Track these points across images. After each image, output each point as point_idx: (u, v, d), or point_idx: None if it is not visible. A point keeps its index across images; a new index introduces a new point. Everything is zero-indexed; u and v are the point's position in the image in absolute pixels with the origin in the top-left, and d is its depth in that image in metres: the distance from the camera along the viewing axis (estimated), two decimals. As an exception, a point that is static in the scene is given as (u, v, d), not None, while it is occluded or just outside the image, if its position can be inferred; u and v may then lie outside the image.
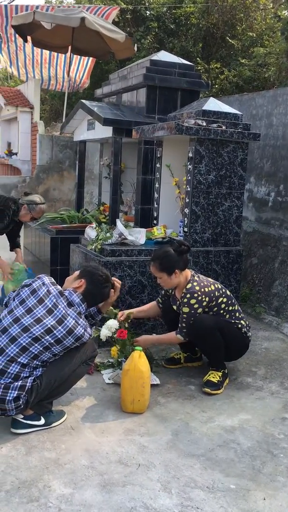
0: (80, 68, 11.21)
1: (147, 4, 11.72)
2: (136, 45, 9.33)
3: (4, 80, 17.60)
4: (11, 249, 4.92)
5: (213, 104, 4.29)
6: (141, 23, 11.55)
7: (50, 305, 2.64)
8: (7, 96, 10.93)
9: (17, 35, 9.37)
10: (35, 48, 10.14)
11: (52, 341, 2.57)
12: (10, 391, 2.50)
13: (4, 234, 4.72)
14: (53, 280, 2.81)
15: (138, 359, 2.92)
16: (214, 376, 3.28)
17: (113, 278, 3.08)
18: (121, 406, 2.96)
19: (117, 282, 3.11)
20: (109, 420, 2.84)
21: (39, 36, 9.04)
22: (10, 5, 10.30)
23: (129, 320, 3.44)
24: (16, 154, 11.19)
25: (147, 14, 11.76)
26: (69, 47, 9.44)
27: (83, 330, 2.66)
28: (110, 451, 2.53)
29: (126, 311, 3.46)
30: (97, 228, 4.42)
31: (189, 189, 4.09)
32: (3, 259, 4.50)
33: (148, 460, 2.47)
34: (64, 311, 2.64)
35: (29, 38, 9.16)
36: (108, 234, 4.18)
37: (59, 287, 2.79)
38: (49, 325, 2.58)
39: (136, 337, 3.41)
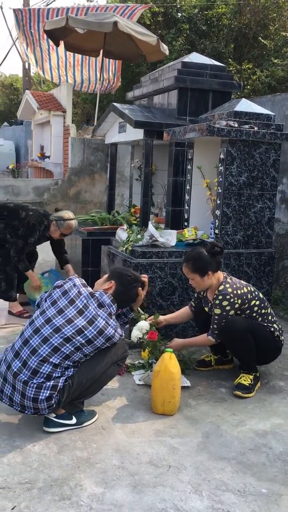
0: (111, 68, 11.29)
1: (178, 6, 11.71)
2: (167, 47, 9.33)
3: (37, 85, 17.91)
4: (62, 267, 4.90)
5: (245, 105, 4.26)
6: (172, 25, 11.56)
7: (81, 306, 2.67)
8: (40, 100, 11.12)
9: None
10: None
11: (83, 341, 2.60)
12: (42, 390, 2.55)
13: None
14: (84, 281, 2.84)
15: (168, 360, 2.92)
16: (245, 379, 3.25)
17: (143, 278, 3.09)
18: (152, 407, 2.96)
19: (144, 277, 3.09)
20: (140, 421, 2.85)
21: (71, 40, 9.17)
22: (42, 9, 10.48)
23: (158, 324, 3.44)
24: (48, 157, 11.36)
25: (179, 16, 11.76)
26: (101, 51, 9.53)
27: (113, 331, 2.68)
28: (140, 451, 2.54)
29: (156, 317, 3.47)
30: (128, 230, 4.45)
31: (220, 190, 4.07)
32: (33, 273, 4.57)
33: (179, 462, 2.47)
34: (94, 312, 2.66)
35: (61, 42, 9.30)
36: (139, 236, 4.20)
37: (89, 288, 2.82)
38: (80, 326, 2.61)
39: (166, 339, 3.41)
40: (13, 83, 24.94)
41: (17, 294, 4.72)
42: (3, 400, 2.66)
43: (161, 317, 3.53)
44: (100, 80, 10.57)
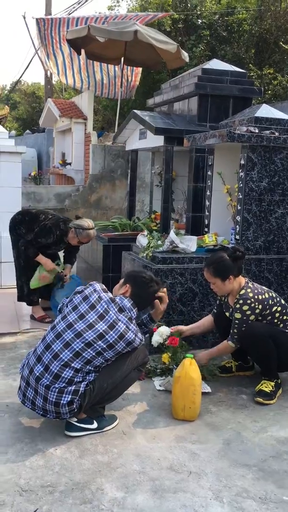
0: (129, 70, 11.34)
1: (198, 12, 11.76)
2: (187, 54, 9.37)
3: (59, 93, 18.13)
4: (65, 261, 4.94)
5: (265, 111, 4.26)
6: (192, 31, 11.61)
7: (101, 311, 2.70)
8: (62, 108, 11.26)
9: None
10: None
11: (104, 346, 2.63)
12: (64, 395, 2.57)
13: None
14: (104, 287, 2.87)
15: (189, 366, 2.92)
16: (266, 386, 3.23)
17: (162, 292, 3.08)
18: (172, 413, 2.97)
19: (163, 291, 3.08)
20: (160, 426, 2.86)
21: (92, 49, 9.28)
22: (63, 18, 10.62)
23: (181, 334, 3.44)
24: (70, 164, 11.47)
25: (199, 23, 11.81)
26: (122, 59, 9.61)
27: (134, 335, 2.70)
28: (161, 457, 2.54)
29: (179, 327, 3.47)
30: (148, 236, 4.47)
31: (241, 196, 4.07)
32: (42, 256, 4.50)
33: (200, 468, 2.46)
34: (115, 317, 2.69)
35: (82, 50, 9.41)
36: (159, 242, 4.22)
37: (110, 294, 2.85)
38: (101, 330, 2.64)
39: (187, 344, 3.42)
40: (35, 91, 25.32)
41: (39, 299, 4.79)
42: (26, 404, 2.70)
43: (184, 327, 3.53)
44: (120, 87, 10.65)
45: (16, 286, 4.79)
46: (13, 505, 2.13)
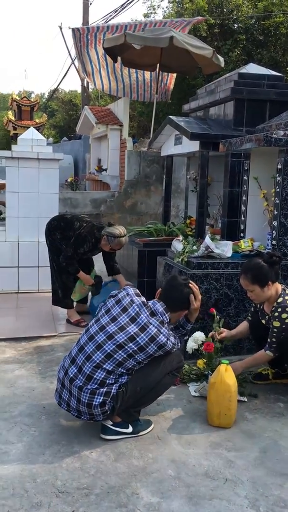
0: (164, 74, 11.36)
1: (234, 17, 11.71)
2: (223, 59, 9.34)
3: (95, 100, 18.38)
4: (109, 275, 4.95)
5: (303, 115, 4.20)
6: (229, 36, 11.57)
7: (133, 314, 2.72)
8: (98, 115, 11.42)
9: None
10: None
11: (135, 348, 2.64)
12: (96, 396, 2.61)
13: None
14: (137, 291, 2.89)
15: (224, 372, 2.90)
16: (304, 394, 3.16)
17: (193, 285, 3.01)
18: (207, 419, 2.95)
19: (194, 286, 3.00)
20: (195, 432, 2.84)
21: (128, 56, 9.38)
22: (101, 27, 10.76)
23: (219, 335, 3.42)
24: (105, 170, 11.60)
25: (235, 27, 11.76)
26: (157, 65, 9.67)
27: (165, 339, 2.70)
28: (196, 463, 2.53)
29: (220, 336, 3.43)
30: (183, 241, 4.47)
31: (277, 201, 4.01)
32: (82, 272, 4.62)
33: (235, 475, 2.44)
34: (146, 320, 2.70)
35: (118, 58, 9.51)
36: (194, 247, 4.21)
37: (143, 298, 2.86)
38: (132, 333, 2.65)
39: (222, 346, 3.39)
40: (72, 99, 25.76)
41: (74, 302, 4.85)
42: (62, 406, 2.75)
43: (224, 330, 3.49)
44: (156, 93, 10.70)
45: (51, 290, 4.88)
46: (50, 506, 2.16)
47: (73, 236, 4.55)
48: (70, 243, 4.52)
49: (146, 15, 14.58)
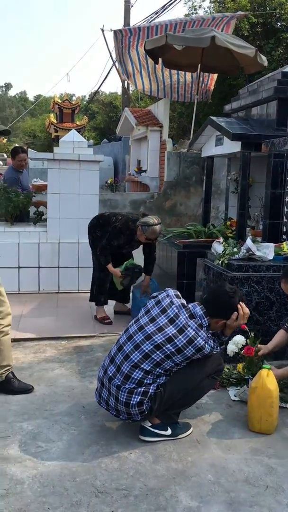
0: (205, 74, 11.26)
1: (277, 15, 11.51)
2: (265, 58, 9.18)
3: (135, 102, 18.46)
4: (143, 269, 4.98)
5: None
6: (271, 35, 11.39)
7: (172, 315, 2.71)
8: (138, 116, 11.45)
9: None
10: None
11: (173, 350, 2.62)
12: (133, 395, 2.61)
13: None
14: (178, 293, 2.87)
15: (266, 377, 2.84)
16: None
17: (243, 304, 2.88)
18: (248, 424, 2.90)
19: (243, 308, 2.88)
20: (235, 437, 2.80)
21: (169, 57, 9.36)
22: (142, 27, 10.78)
23: (257, 353, 3.33)
24: (145, 171, 11.62)
25: (278, 26, 11.55)
26: (199, 66, 9.61)
27: (203, 342, 2.67)
28: (236, 469, 2.49)
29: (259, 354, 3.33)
30: (224, 243, 4.42)
31: None
32: (111, 266, 4.67)
33: (277, 483, 2.38)
34: (185, 322, 2.68)
35: (159, 59, 9.50)
36: (235, 249, 4.16)
37: (183, 300, 2.84)
38: (170, 334, 2.64)
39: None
40: (113, 101, 25.97)
41: (107, 300, 4.93)
42: (101, 404, 2.78)
43: (266, 349, 3.38)
44: (196, 94, 10.64)
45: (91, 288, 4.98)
46: (89, 506, 2.18)
47: (111, 231, 4.65)
48: (107, 237, 4.63)
49: (187, 16, 14.53)
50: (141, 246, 4.92)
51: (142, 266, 4.88)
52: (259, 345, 3.35)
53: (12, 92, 76.12)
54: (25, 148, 8.11)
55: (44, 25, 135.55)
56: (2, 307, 3.26)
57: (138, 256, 5.02)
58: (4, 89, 75.01)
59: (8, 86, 75.38)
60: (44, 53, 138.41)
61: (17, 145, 8.62)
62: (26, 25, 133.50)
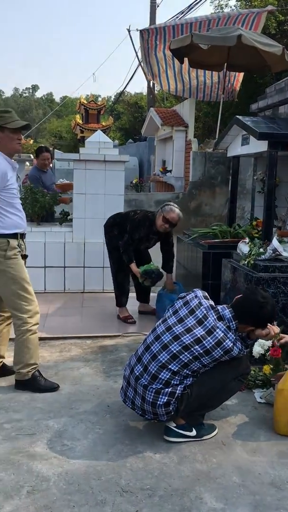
0: (231, 74, 11.18)
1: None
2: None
3: (160, 102, 18.46)
4: (162, 267, 5.00)
5: None
6: (298, 32, 11.22)
7: (200, 316, 2.69)
8: (163, 117, 11.44)
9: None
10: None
11: (201, 351, 2.61)
12: (160, 396, 2.61)
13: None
14: (206, 294, 2.86)
15: (293, 379, 2.80)
16: None
17: (273, 327, 2.83)
18: (274, 427, 2.86)
19: (274, 329, 2.83)
20: (261, 440, 2.77)
21: (195, 57, 9.32)
22: (168, 26, 10.76)
23: (279, 340, 3.29)
24: (170, 171, 11.60)
25: (306, 23, 11.38)
26: (225, 65, 9.55)
27: (231, 344, 2.64)
28: (262, 471, 2.46)
29: (280, 342, 3.29)
30: (250, 243, 4.37)
31: None
32: (134, 265, 4.67)
33: (303, 487, 2.35)
34: (213, 323, 2.66)
35: (185, 59, 9.47)
36: (261, 250, 4.11)
37: (211, 301, 2.83)
38: (198, 335, 2.63)
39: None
40: (138, 102, 26.01)
41: (127, 301, 4.95)
42: (127, 403, 2.79)
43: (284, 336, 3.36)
44: (222, 93, 10.58)
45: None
46: (114, 504, 2.19)
47: (128, 225, 4.70)
48: (128, 231, 4.66)
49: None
50: (158, 245, 4.92)
51: (161, 267, 4.89)
52: (281, 334, 3.31)
53: (39, 94, 77.13)
54: (51, 148, 8.19)
55: (70, 26, 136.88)
56: (30, 305, 3.31)
57: (156, 257, 5.03)
58: (31, 91, 76.02)
59: (35, 87, 76.35)
60: (71, 55, 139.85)
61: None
62: (52, 27, 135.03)
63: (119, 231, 4.72)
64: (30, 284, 3.34)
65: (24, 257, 3.38)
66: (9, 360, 3.54)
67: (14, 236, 3.27)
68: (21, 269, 3.30)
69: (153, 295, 5.27)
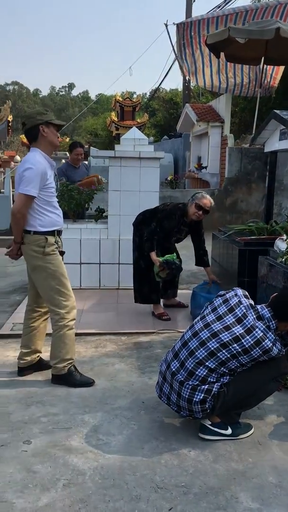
0: (269, 69, 10.98)
1: None
2: None
3: (196, 98, 18.32)
4: (197, 264, 5.07)
5: None
6: None
7: (239, 315, 2.66)
8: (199, 112, 11.36)
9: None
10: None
11: (239, 350, 2.58)
12: (196, 393, 2.60)
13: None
14: (246, 293, 2.82)
15: None
16: None
17: None
18: (312, 428, 2.80)
19: None
20: (298, 440, 2.72)
21: (232, 51, 9.20)
22: (203, 19, 10.65)
23: None
24: (205, 167, 11.51)
25: None
26: (262, 59, 9.39)
27: (271, 344, 2.60)
28: (299, 473, 2.42)
29: None
30: (287, 240, 4.29)
31: None
32: (154, 254, 4.59)
33: None
34: (253, 322, 2.63)
35: (221, 54, 9.35)
36: (299, 247, 4.03)
37: (251, 300, 2.79)
38: (237, 334, 2.60)
39: None
40: (173, 98, 25.90)
41: (160, 298, 4.98)
42: (162, 399, 2.79)
43: None
44: (259, 88, 10.41)
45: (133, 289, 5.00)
46: (148, 500, 2.19)
47: (159, 220, 4.68)
48: (157, 220, 4.65)
49: (250, 8, 14.21)
50: (189, 239, 4.92)
51: (194, 264, 4.88)
52: None
53: (75, 92, 77.89)
54: (86, 146, 8.26)
55: (107, 23, 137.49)
56: (68, 301, 3.35)
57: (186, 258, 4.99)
58: (67, 89, 76.90)
59: (71, 86, 77.24)
60: (107, 52, 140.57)
61: (77, 142, 8.83)
62: (88, 25, 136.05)
63: (147, 226, 4.68)
64: (68, 279, 3.39)
65: (61, 253, 3.44)
66: (45, 355, 3.60)
67: (52, 233, 3.33)
68: (60, 265, 3.36)
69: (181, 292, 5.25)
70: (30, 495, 2.22)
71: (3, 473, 2.38)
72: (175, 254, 4.82)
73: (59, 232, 3.42)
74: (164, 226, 4.68)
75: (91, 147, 18.14)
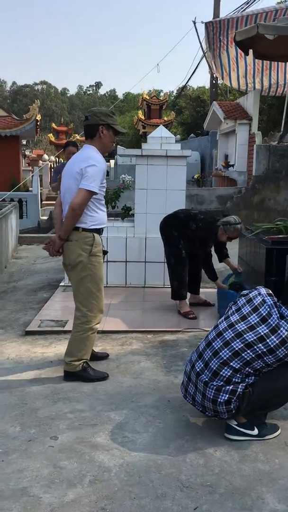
0: None
1: None
2: None
3: (224, 95, 18.18)
4: (220, 261, 5.20)
5: None
6: None
7: (264, 314, 2.63)
8: (226, 110, 11.28)
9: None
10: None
11: (264, 350, 2.55)
12: (221, 393, 2.58)
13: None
14: (270, 291, 2.79)
15: None
16: None
17: None
18: None
19: None
20: None
21: (261, 48, 9.05)
22: (232, 19, 10.58)
23: None
24: (233, 166, 11.43)
25: None
26: (291, 55, 9.22)
27: (296, 343, 2.57)
28: None
29: None
30: None
31: None
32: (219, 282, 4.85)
33: None
34: (277, 321, 2.60)
35: (250, 51, 9.23)
36: None
37: (275, 298, 2.76)
38: (262, 333, 2.57)
39: None
40: (200, 96, 25.78)
41: (187, 293, 5.01)
42: (187, 399, 2.78)
43: None
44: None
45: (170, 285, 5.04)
46: (174, 499, 2.19)
47: (192, 236, 4.77)
48: (199, 247, 4.78)
49: (279, 4, 14.03)
50: None
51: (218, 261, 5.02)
52: None
53: (102, 91, 78.29)
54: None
55: (133, 22, 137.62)
56: (98, 305, 3.41)
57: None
58: (95, 88, 77.34)
59: (98, 84, 77.65)
60: (134, 51, 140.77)
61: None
62: (119, 23, 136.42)
63: (178, 234, 4.83)
64: (103, 282, 3.43)
65: (105, 253, 3.48)
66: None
67: (98, 231, 3.38)
68: (101, 268, 3.40)
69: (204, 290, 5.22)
70: (56, 490, 2.25)
71: (31, 468, 2.41)
72: (234, 276, 5.03)
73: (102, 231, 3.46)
74: (207, 251, 4.79)
75: (118, 146, 18.18)
